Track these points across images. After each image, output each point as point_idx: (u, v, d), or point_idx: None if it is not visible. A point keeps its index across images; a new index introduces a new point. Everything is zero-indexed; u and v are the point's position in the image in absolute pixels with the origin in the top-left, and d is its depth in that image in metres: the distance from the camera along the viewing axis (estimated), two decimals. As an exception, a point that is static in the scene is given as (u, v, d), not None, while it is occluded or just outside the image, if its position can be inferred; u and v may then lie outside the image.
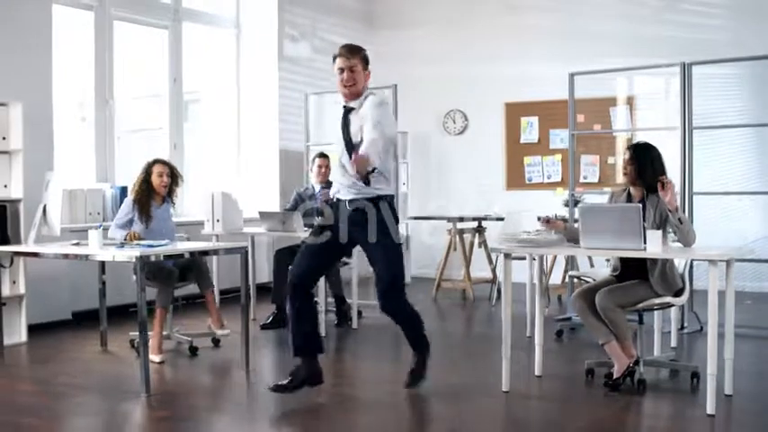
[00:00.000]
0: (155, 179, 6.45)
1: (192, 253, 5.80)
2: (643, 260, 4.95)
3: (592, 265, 8.04)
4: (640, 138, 9.33)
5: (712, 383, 4.45)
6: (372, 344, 6.81)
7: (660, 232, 4.69)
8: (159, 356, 5.95)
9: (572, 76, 7.52)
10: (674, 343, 6.25)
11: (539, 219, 5.34)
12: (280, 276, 7.10)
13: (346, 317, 7.41)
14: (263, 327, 7.21)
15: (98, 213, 7.79)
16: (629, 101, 9.74)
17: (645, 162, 5.09)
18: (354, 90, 4.82)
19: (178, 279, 6.30)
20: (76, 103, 8.40)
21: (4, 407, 4.93)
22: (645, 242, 4.63)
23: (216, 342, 6.51)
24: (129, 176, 7.91)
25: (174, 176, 6.53)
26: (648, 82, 9.52)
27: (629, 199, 5.19)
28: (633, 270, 5.09)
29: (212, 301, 6.50)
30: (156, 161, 6.58)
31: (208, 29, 9.71)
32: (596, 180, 9.72)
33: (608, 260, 5.94)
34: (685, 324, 6.77)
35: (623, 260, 5.17)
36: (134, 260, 5.14)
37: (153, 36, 9.05)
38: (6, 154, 6.71)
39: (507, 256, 5.08)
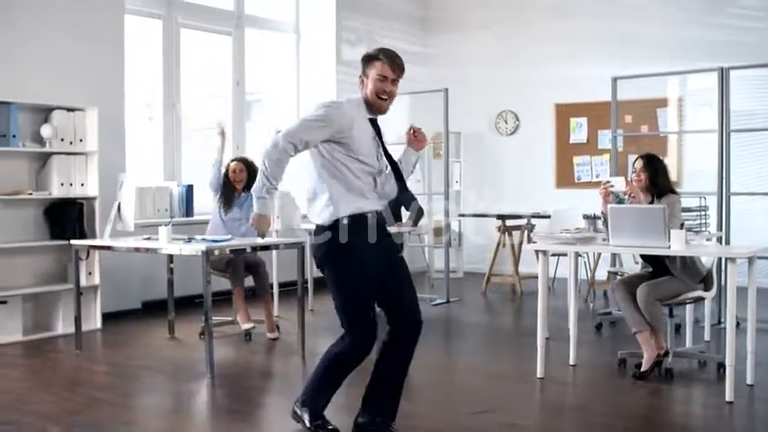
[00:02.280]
0: (230, 175, 7.03)
1: (254, 248, 6.24)
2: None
3: (636, 262, 8.30)
4: (687, 139, 9.63)
5: (731, 373, 4.77)
6: (422, 335, 7.16)
7: (684, 231, 5.01)
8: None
9: (614, 80, 7.80)
10: (707, 337, 6.52)
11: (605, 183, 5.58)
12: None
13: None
14: None
15: (165, 210, 8.22)
16: (679, 102, 9.94)
17: (656, 170, 5.55)
18: (388, 107, 4.19)
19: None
20: (145, 103, 8.89)
21: (83, 384, 5.50)
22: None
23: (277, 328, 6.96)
24: (195, 175, 8.42)
25: (251, 171, 7.02)
26: (696, 83, 9.70)
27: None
28: (660, 266, 5.43)
29: (267, 307, 6.90)
30: (233, 159, 7.22)
31: (269, 34, 10.16)
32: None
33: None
34: (722, 320, 7.02)
35: (647, 258, 5.53)
36: (200, 253, 5.58)
37: (217, 41, 9.53)
38: (83, 155, 7.24)
39: (544, 253, 5.46)
